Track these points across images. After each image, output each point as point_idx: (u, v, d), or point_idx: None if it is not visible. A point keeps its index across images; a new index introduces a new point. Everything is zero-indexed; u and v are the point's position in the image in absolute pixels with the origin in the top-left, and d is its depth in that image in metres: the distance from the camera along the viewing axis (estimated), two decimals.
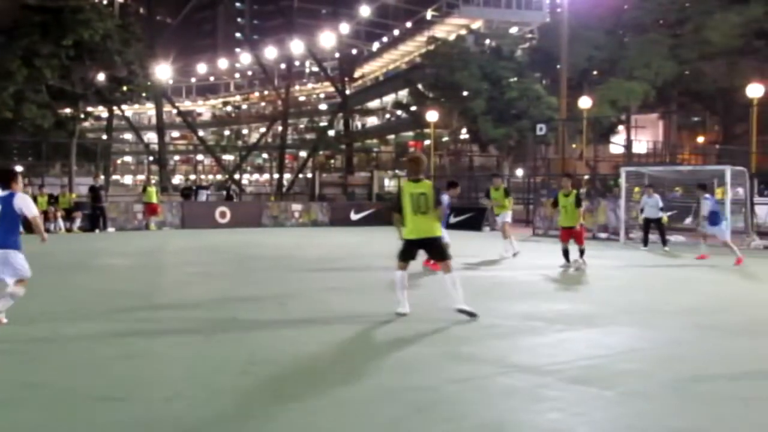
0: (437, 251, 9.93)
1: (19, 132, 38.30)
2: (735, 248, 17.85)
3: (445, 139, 58.80)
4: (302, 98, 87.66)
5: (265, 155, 78.95)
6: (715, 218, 18.42)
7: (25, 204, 8.99)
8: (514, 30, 62.50)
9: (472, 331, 8.88)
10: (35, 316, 9.60)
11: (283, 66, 75.99)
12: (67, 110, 36.84)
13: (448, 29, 67.03)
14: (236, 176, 59.97)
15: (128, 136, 79.83)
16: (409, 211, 9.68)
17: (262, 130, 75.90)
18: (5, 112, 31.89)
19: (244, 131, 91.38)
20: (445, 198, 14.78)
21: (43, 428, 5.32)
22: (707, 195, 19.25)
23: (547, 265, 16.17)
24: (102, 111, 54.24)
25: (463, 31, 62.46)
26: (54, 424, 5.40)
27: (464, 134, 55.70)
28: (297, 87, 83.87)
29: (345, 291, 12.45)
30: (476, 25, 67.48)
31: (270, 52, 75.05)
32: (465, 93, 47.47)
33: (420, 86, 53.05)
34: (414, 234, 9.71)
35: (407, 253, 9.90)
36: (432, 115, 42.38)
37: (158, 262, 18.78)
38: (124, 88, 35.52)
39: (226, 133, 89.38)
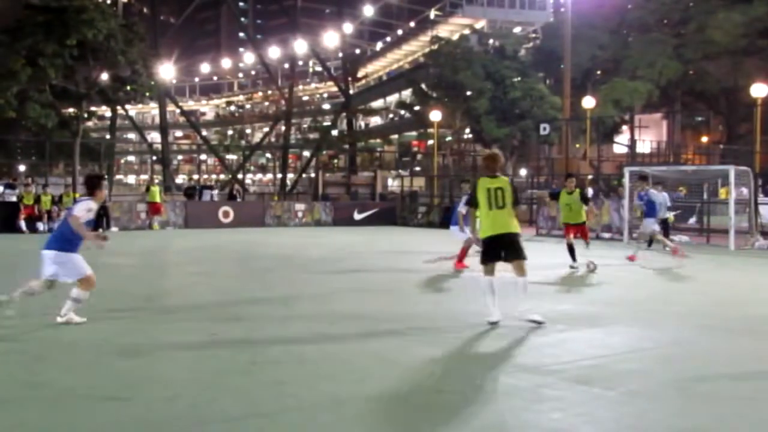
0: (514, 249, 9.16)
1: (22, 131, 38.38)
2: (640, 247, 17.86)
3: (449, 138, 58.80)
4: (305, 98, 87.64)
5: (268, 155, 78.95)
6: (652, 211, 18.41)
7: (80, 209, 8.96)
8: (517, 30, 62.56)
9: (474, 331, 8.87)
10: (37, 315, 9.61)
11: (286, 65, 75.91)
12: (71, 110, 36.90)
13: (451, 29, 67.10)
14: (239, 176, 60.00)
15: (132, 135, 79.97)
16: (485, 207, 9.14)
17: (266, 129, 75.92)
18: (9, 111, 31.92)
19: (248, 131, 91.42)
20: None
21: (45, 428, 5.33)
22: (647, 187, 19.30)
23: (549, 264, 16.15)
24: (105, 111, 54.37)
25: (467, 31, 62.57)
26: (56, 424, 5.40)
27: (467, 134, 55.69)
28: (300, 86, 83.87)
29: (348, 291, 12.44)
30: (479, 24, 67.55)
31: (273, 52, 75.08)
32: (468, 93, 47.46)
33: (423, 86, 53.02)
34: (491, 230, 9.12)
35: (490, 252, 9.20)
36: (435, 115, 42.37)
37: (161, 261, 18.81)
38: (128, 87, 35.54)
39: (230, 132, 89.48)
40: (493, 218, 9.13)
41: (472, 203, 9.45)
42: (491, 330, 8.90)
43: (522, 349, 8.03)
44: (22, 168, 47.31)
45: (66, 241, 8.95)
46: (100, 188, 9.31)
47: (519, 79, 47.82)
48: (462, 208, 15.25)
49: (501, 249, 9.16)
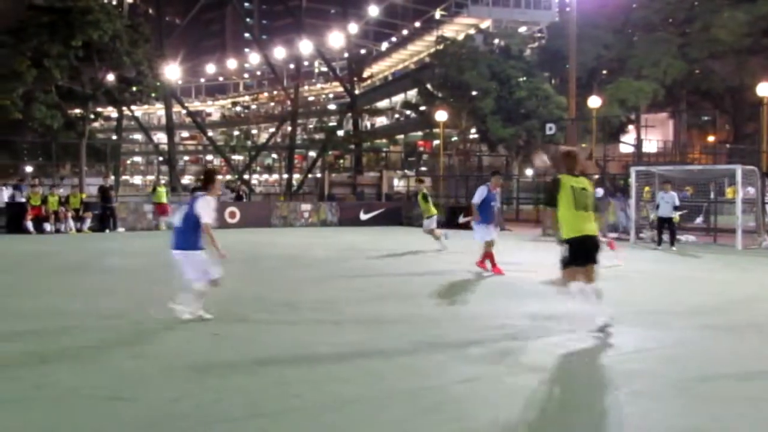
0: (594, 254, 8.74)
1: (28, 132, 38.43)
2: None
3: (454, 138, 58.79)
4: (311, 98, 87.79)
5: (274, 155, 79.06)
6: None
7: (202, 208, 8.84)
8: (522, 29, 62.52)
9: (481, 331, 8.87)
10: (44, 315, 9.65)
11: (292, 66, 76.03)
12: (77, 111, 36.97)
13: (456, 29, 67.12)
14: (246, 176, 60.08)
15: (138, 136, 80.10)
16: (571, 207, 8.53)
17: (272, 130, 75.99)
18: (15, 112, 32.00)
19: (254, 131, 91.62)
20: (483, 191, 14.78)
21: (49, 428, 5.35)
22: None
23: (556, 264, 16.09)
24: (111, 111, 54.45)
25: (472, 31, 62.53)
26: (60, 424, 5.42)
27: (473, 134, 55.70)
28: (306, 87, 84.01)
29: (354, 291, 12.43)
30: (485, 24, 67.58)
31: (279, 52, 75.16)
32: (474, 92, 47.48)
33: (429, 86, 53.03)
34: (578, 231, 8.56)
35: (577, 256, 8.64)
36: (441, 115, 42.34)
37: (168, 262, 18.74)
38: (134, 88, 35.60)
39: (236, 133, 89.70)
40: (580, 219, 8.59)
41: (550, 202, 8.76)
42: (495, 330, 8.90)
43: (528, 349, 8.02)
44: (29, 169, 47.42)
45: (189, 238, 8.94)
46: (214, 182, 9.20)
47: (524, 78, 47.81)
48: (477, 200, 14.76)
49: (588, 252, 8.68)
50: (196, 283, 9.04)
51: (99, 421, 5.47)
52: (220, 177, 9.67)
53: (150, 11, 62.91)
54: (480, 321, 9.46)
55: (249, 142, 73.15)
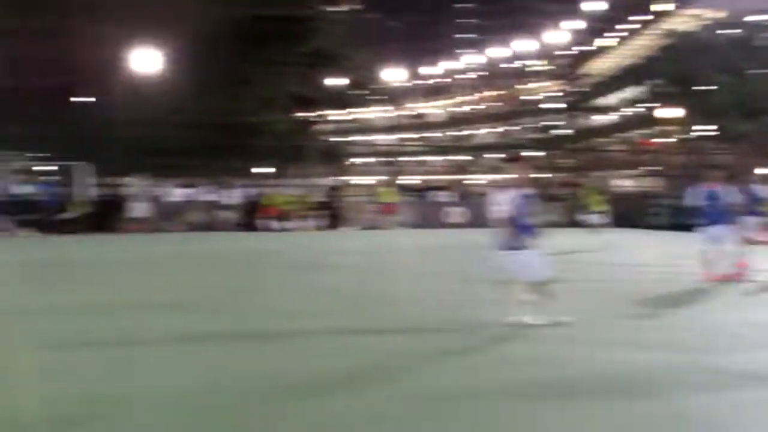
0: None
1: (262, 136, 40.45)
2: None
3: (686, 136, 56.08)
4: (531, 97, 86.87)
5: (497, 155, 78.65)
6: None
7: (491, 203, 8.42)
8: (761, 18, 58.71)
9: (715, 340, 8.23)
10: (275, 312, 9.93)
11: (510, 65, 75.47)
12: (306, 114, 38.43)
13: (685, 20, 64.10)
14: (467, 176, 60.25)
15: (363, 137, 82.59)
16: None
17: (491, 130, 75.85)
18: (251, 117, 33.67)
19: (476, 131, 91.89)
20: (696, 190, 13.16)
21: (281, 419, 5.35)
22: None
23: None
24: (338, 114, 56.39)
25: (704, 22, 59.53)
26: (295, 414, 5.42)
27: (707, 131, 52.86)
28: (524, 86, 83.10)
29: (579, 292, 11.89)
30: (717, 15, 64.00)
31: (497, 52, 74.88)
32: (707, 87, 45.08)
33: (656, 81, 50.92)
34: None
35: None
36: (669, 111, 40.43)
37: (391, 261, 18.95)
38: (358, 91, 36.54)
39: (456, 133, 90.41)
40: None
41: None
42: (731, 340, 8.19)
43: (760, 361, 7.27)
44: (261, 170, 49.88)
45: (512, 237, 8.30)
46: (515, 171, 8.52)
47: (764, 70, 44.87)
48: (691, 201, 13.14)
49: None
50: (525, 283, 8.39)
51: (324, 411, 5.41)
52: (519, 163, 8.83)
53: (371, 16, 64.55)
54: (714, 329, 8.84)
55: (469, 143, 73.46)
